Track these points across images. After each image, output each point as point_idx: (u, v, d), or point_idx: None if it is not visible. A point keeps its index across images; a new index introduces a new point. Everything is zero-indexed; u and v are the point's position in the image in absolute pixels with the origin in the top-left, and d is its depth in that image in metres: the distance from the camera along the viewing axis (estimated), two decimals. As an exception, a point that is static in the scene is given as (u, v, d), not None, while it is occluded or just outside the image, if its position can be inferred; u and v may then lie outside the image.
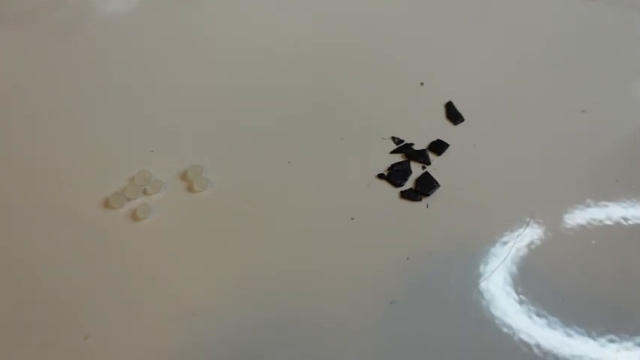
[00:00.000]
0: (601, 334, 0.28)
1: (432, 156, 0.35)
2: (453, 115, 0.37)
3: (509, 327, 0.28)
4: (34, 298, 0.30)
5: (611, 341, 0.28)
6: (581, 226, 0.32)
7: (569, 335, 0.28)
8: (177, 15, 0.46)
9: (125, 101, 0.39)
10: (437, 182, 0.34)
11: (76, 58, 0.42)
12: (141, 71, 0.41)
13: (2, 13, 0.47)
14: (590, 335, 0.28)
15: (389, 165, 0.35)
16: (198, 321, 0.29)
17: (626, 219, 0.32)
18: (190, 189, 0.34)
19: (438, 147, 0.36)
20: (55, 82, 0.41)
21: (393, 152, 0.35)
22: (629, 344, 0.28)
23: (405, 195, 0.33)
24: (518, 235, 0.32)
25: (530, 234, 0.32)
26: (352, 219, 0.32)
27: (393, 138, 0.36)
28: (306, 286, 0.30)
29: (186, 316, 0.29)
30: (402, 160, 0.35)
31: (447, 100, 0.38)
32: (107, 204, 0.33)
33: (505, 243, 0.31)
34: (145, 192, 0.34)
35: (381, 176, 0.34)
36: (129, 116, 0.38)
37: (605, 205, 0.33)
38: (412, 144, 0.36)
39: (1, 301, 0.30)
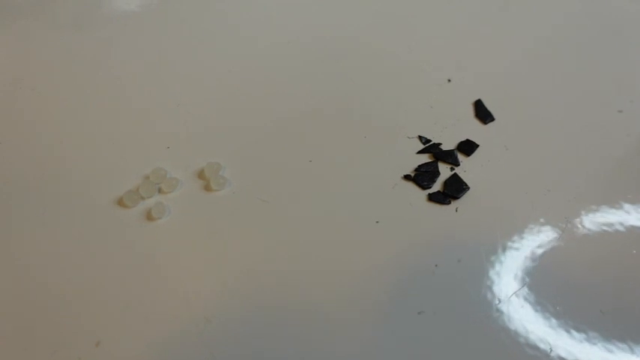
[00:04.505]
0: (644, 351, 0.26)
1: (460, 157, 0.34)
2: (483, 113, 0.36)
3: (546, 342, 0.27)
4: (42, 301, 0.28)
5: (657, 359, 0.26)
6: (621, 234, 0.30)
7: (609, 351, 0.26)
8: (192, 10, 0.45)
9: (140, 96, 0.38)
10: (466, 185, 0.32)
11: (91, 53, 0.41)
12: (157, 66, 0.40)
13: (9, 11, 0.45)
14: (632, 351, 0.26)
15: (415, 166, 0.33)
16: (213, 324, 0.27)
17: (668, 227, 0.30)
18: (207, 188, 0.32)
19: (468, 147, 0.34)
20: (67, 76, 0.39)
21: (419, 152, 0.34)
22: (675, 362, 0.26)
23: (433, 198, 0.32)
24: (554, 242, 0.30)
25: (565, 241, 0.30)
26: (377, 222, 0.31)
27: (420, 137, 0.34)
28: (327, 292, 0.28)
29: (200, 319, 0.28)
30: (430, 160, 0.33)
31: (475, 98, 0.36)
32: (121, 202, 0.32)
33: (539, 250, 0.29)
34: (160, 190, 0.32)
35: (407, 177, 0.33)
36: (144, 112, 0.37)
37: (646, 212, 0.31)
38: (440, 144, 0.34)
39: (7, 303, 0.28)
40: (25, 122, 0.37)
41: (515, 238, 0.30)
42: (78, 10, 0.45)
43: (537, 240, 0.30)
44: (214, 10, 0.44)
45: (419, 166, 0.33)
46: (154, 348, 0.27)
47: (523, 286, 0.28)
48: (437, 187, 0.32)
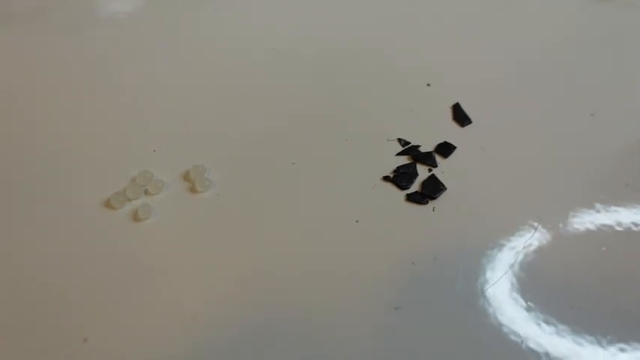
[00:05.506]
0: (611, 343, 0.27)
1: (438, 158, 0.35)
2: (461, 116, 0.37)
3: (517, 335, 0.28)
4: (30, 300, 0.29)
5: (622, 350, 0.27)
6: (591, 232, 0.31)
7: (578, 344, 0.27)
8: (181, 15, 0.46)
9: (127, 100, 0.39)
10: (443, 185, 0.33)
11: (79, 57, 0.42)
12: (144, 71, 0.41)
13: (4, 12, 0.46)
14: (600, 344, 0.27)
15: (395, 167, 0.34)
16: (199, 324, 0.28)
17: (636, 224, 0.32)
18: (192, 189, 0.33)
19: (445, 149, 0.35)
20: (56, 81, 0.40)
21: (399, 154, 0.35)
22: (640, 354, 0.27)
23: (411, 198, 0.33)
24: (526, 241, 0.31)
25: (538, 239, 0.31)
26: (357, 222, 0.32)
27: (399, 140, 0.36)
28: (309, 290, 0.29)
29: (186, 319, 0.28)
30: (408, 162, 0.34)
31: (454, 102, 0.38)
32: (108, 204, 0.32)
33: (512, 248, 0.31)
34: (146, 192, 0.33)
35: (386, 178, 0.34)
36: (131, 115, 0.38)
37: (615, 211, 0.32)
38: (419, 146, 0.35)
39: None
40: (14, 124, 0.37)
41: (490, 236, 0.31)
42: (71, 15, 0.46)
43: (510, 238, 0.31)
44: (201, 17, 0.45)
45: (398, 167, 0.34)
46: (140, 345, 0.28)
47: (496, 283, 0.29)
48: (415, 187, 0.33)
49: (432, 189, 0.33)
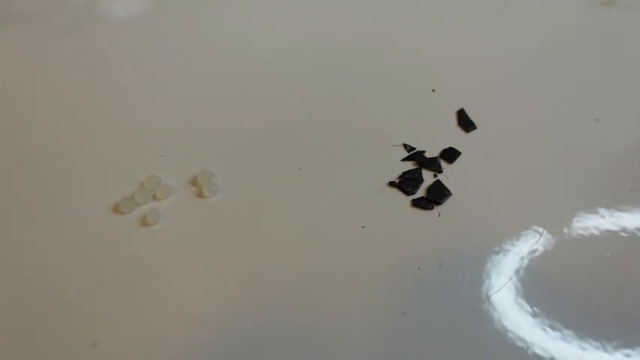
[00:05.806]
0: (616, 348, 0.28)
1: (443, 164, 0.35)
2: (465, 122, 0.37)
3: (523, 340, 0.28)
4: (40, 303, 0.29)
5: (628, 356, 0.27)
6: (596, 238, 0.32)
7: (583, 349, 0.28)
8: (181, 15, 0.46)
9: (134, 105, 0.39)
10: (449, 191, 0.33)
11: (79, 57, 0.42)
12: (151, 74, 0.41)
13: (4, 12, 0.46)
14: (605, 349, 0.28)
15: (400, 172, 0.34)
16: (208, 329, 0.28)
17: (640, 230, 0.32)
18: (200, 194, 0.33)
19: (450, 155, 0.35)
20: (56, 81, 0.40)
21: (404, 160, 0.35)
22: (645, 359, 0.28)
23: (417, 203, 0.33)
24: (531, 246, 0.31)
25: (543, 245, 0.31)
26: (362, 227, 0.32)
27: (405, 145, 0.36)
28: (315, 295, 0.30)
29: (195, 324, 0.29)
30: (414, 167, 0.35)
31: (458, 107, 0.38)
32: (117, 209, 0.33)
33: (518, 254, 0.31)
34: (154, 197, 0.33)
35: (392, 184, 0.34)
36: (139, 120, 0.38)
37: (620, 216, 0.32)
38: (424, 151, 0.35)
39: (5, 306, 0.29)
40: (21, 128, 0.38)
41: (495, 241, 0.31)
42: (73, 15, 0.46)
43: (516, 244, 0.31)
44: (207, 19, 0.45)
45: (403, 172, 0.34)
46: (149, 349, 0.28)
47: (501, 288, 0.30)
48: (420, 193, 0.34)
49: (438, 194, 0.33)
